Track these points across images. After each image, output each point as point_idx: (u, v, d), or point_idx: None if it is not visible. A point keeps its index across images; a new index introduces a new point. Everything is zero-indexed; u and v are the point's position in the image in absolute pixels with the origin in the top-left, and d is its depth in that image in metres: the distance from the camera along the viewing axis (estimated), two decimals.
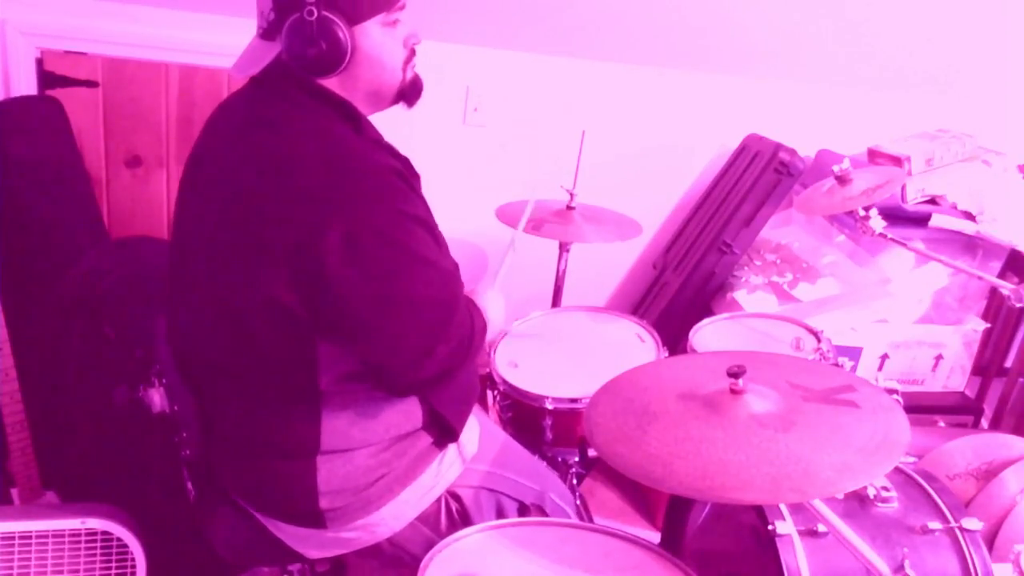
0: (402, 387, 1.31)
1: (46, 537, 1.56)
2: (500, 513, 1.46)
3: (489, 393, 1.86)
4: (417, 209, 1.24)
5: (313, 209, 1.15)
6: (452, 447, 1.42)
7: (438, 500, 1.41)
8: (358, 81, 1.27)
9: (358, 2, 1.22)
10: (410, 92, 1.34)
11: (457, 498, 1.43)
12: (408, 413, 1.35)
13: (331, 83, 1.26)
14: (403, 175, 1.24)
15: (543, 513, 1.50)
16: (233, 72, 1.30)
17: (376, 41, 1.26)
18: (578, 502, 1.78)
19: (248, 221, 1.19)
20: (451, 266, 1.29)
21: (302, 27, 1.19)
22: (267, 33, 1.24)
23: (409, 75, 1.33)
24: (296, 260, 1.15)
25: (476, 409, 1.52)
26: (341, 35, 1.21)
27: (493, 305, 1.50)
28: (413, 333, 1.23)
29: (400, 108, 1.36)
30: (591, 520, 1.80)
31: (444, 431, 1.39)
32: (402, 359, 1.24)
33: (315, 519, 1.32)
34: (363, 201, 1.17)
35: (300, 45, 1.21)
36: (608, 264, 2.90)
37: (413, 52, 1.32)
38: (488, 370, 1.80)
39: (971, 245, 2.46)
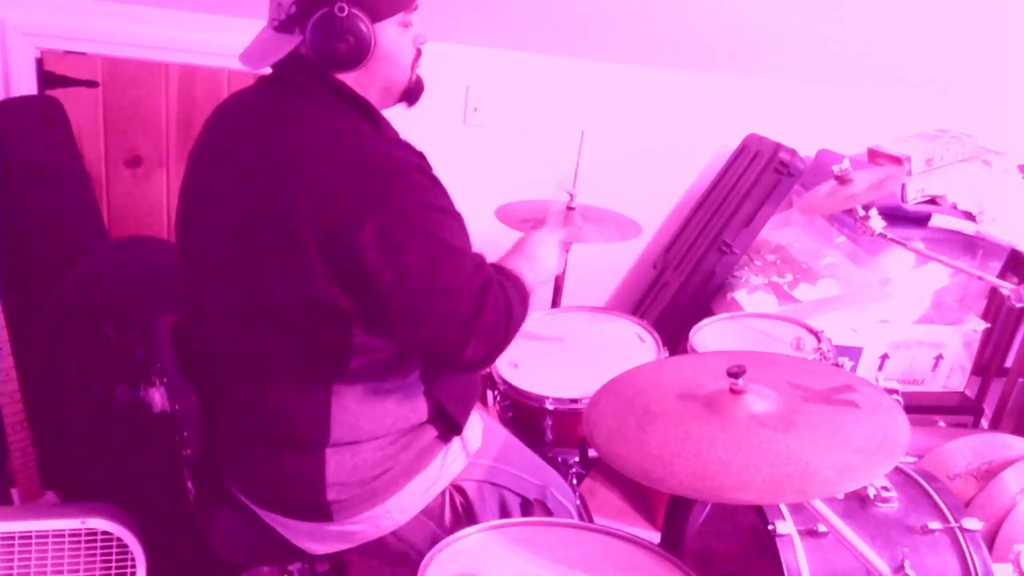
0: (451, 366, 1.35)
1: (46, 537, 1.56)
2: (503, 507, 1.47)
3: (489, 393, 1.86)
4: (443, 200, 1.28)
5: (346, 205, 1.18)
6: (456, 441, 1.44)
7: (442, 493, 1.42)
8: (374, 77, 1.31)
9: (381, 1, 1.26)
10: (414, 91, 1.39)
11: (461, 492, 1.44)
12: (415, 406, 1.37)
13: (348, 78, 1.29)
14: (424, 170, 1.28)
15: (546, 508, 1.51)
16: (242, 62, 1.32)
17: (393, 39, 1.30)
18: (578, 502, 1.78)
19: (279, 218, 1.21)
20: (475, 251, 1.32)
21: (332, 22, 1.23)
22: (284, 26, 1.26)
23: (414, 75, 1.37)
24: (333, 255, 1.19)
25: (477, 406, 1.53)
26: (366, 31, 1.25)
27: (543, 246, 1.54)
28: (453, 314, 1.25)
29: (400, 109, 1.39)
30: (591, 520, 1.80)
31: (448, 424, 1.41)
32: (446, 341, 1.26)
33: (321, 511, 1.33)
34: (394, 198, 1.21)
35: (328, 40, 1.24)
36: (608, 264, 2.90)
37: (419, 52, 1.37)
38: (488, 370, 1.80)
39: (971, 245, 2.46)
